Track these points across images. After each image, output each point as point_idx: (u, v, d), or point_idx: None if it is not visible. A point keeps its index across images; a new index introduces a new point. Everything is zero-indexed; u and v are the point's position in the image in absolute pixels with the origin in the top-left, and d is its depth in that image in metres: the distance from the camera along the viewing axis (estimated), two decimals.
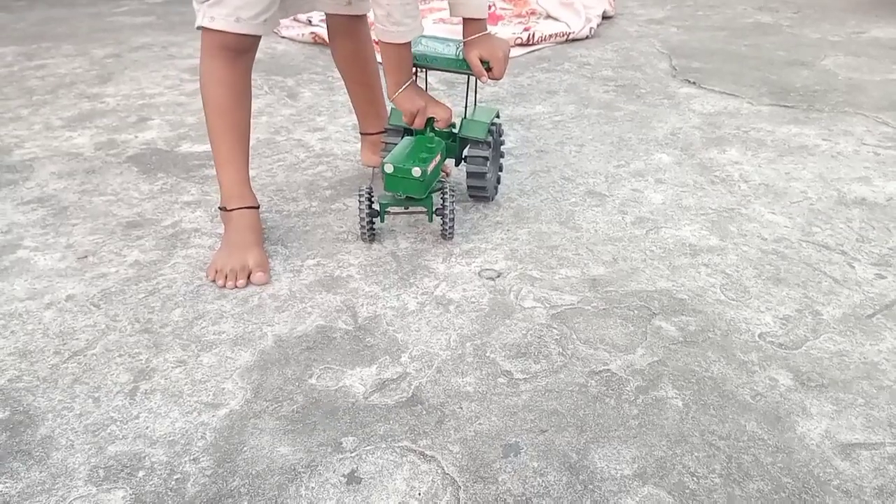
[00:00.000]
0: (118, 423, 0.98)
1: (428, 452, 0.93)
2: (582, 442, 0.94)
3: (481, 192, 1.51)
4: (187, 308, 1.22)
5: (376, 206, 1.39)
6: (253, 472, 0.90)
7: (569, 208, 1.53)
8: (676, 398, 1.01)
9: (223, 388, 1.04)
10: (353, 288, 1.27)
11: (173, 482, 0.89)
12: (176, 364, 1.09)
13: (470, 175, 1.49)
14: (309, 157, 1.80)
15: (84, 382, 1.06)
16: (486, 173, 1.48)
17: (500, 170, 1.59)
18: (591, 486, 0.88)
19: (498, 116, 1.54)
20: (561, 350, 1.11)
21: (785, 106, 2.10)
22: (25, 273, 1.32)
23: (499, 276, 1.30)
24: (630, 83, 2.31)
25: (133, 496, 0.87)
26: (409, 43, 1.37)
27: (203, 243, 1.42)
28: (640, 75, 2.38)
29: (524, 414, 0.99)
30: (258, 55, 1.40)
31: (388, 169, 1.33)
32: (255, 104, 1.45)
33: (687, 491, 0.87)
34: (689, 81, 2.31)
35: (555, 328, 1.16)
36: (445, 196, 1.37)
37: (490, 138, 1.47)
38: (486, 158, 1.47)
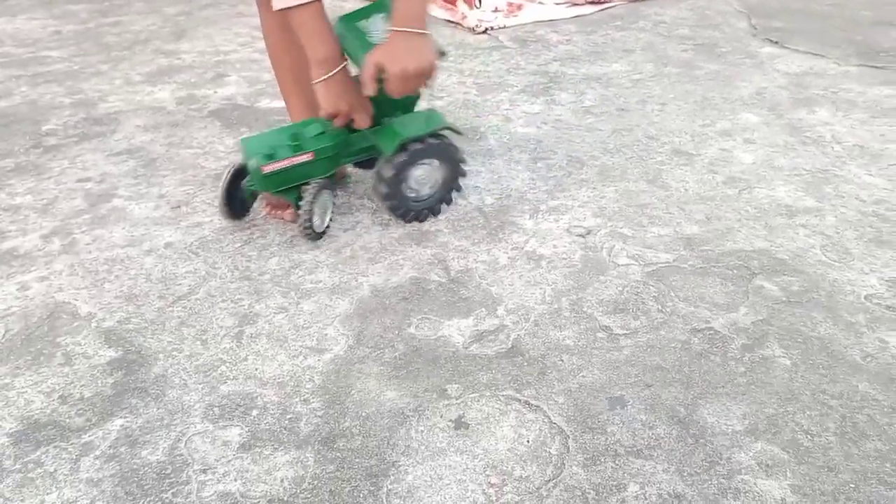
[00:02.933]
0: (227, 364, 1.01)
1: (533, 402, 0.94)
2: (689, 397, 0.93)
3: (386, 202, 1.28)
4: (283, 257, 1.23)
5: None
6: (363, 414, 0.92)
7: (655, 167, 1.50)
8: (784, 357, 0.99)
9: (325, 334, 1.06)
10: (442, 242, 1.27)
11: (287, 421, 0.92)
12: (278, 310, 1.11)
13: (375, 188, 1.28)
14: None
15: (191, 325, 1.09)
16: (386, 194, 1.26)
17: (451, 190, 1.33)
18: (702, 440, 0.87)
19: (452, 129, 1.26)
20: (660, 307, 1.10)
21: (874, 66, 2.01)
22: (122, 221, 1.36)
23: (589, 233, 1.29)
24: (709, 42, 2.23)
25: (249, 433, 0.90)
26: (313, 8, 1.11)
27: None
28: (719, 34, 2.30)
29: (627, 368, 0.99)
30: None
31: (244, 145, 1.22)
32: None
33: (802, 448, 0.86)
34: (771, 41, 2.23)
35: (651, 285, 1.14)
36: (308, 192, 1.20)
37: (399, 158, 1.22)
38: (388, 181, 1.24)
